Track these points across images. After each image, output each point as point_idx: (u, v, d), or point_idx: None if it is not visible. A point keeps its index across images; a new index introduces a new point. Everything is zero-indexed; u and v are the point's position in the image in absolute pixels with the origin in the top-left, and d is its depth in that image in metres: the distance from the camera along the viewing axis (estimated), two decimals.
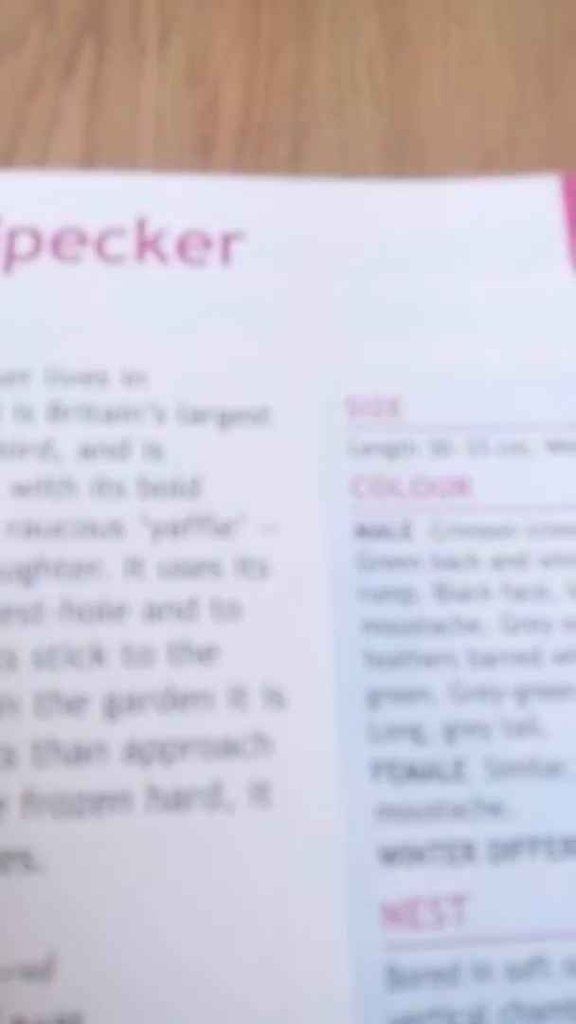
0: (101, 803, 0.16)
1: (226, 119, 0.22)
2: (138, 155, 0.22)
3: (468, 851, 0.16)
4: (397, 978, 0.15)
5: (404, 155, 0.22)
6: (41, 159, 0.21)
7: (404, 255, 0.21)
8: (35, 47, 0.23)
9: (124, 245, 0.20)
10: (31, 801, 0.16)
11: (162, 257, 0.20)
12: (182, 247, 0.20)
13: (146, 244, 0.20)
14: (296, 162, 0.22)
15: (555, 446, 0.19)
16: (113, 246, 0.20)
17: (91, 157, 0.21)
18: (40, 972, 0.15)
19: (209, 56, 0.23)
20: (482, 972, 0.15)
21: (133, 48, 0.23)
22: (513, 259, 0.21)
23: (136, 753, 0.16)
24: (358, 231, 0.21)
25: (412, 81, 0.24)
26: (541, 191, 0.21)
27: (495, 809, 0.16)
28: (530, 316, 0.20)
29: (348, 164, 0.22)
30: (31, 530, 0.18)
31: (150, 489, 0.18)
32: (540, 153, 0.23)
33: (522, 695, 0.17)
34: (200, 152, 0.22)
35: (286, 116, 0.23)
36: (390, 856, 0.16)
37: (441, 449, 0.19)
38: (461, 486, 0.19)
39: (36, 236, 0.20)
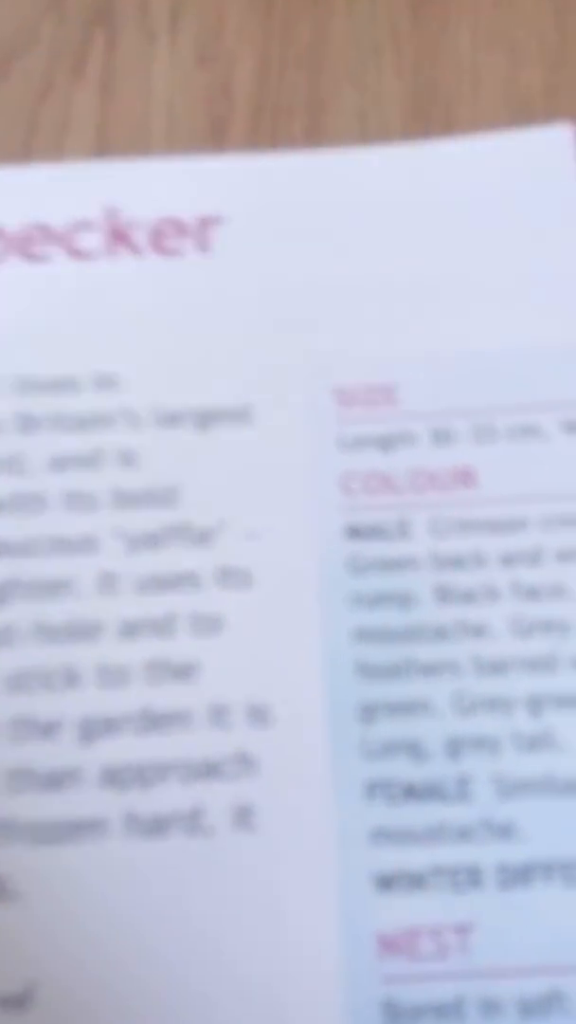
0: (77, 830, 0.18)
1: (240, 98, 0.24)
2: (151, 144, 0.24)
3: (474, 876, 0.17)
4: (396, 1013, 0.16)
5: (430, 117, 0.24)
6: (56, 160, 0.23)
7: (398, 226, 0.22)
8: (46, 45, 0.25)
9: (94, 239, 0.22)
10: (6, 828, 0.18)
11: (135, 249, 0.22)
12: (156, 237, 0.22)
13: (117, 236, 0.22)
14: (314, 137, 0.24)
15: (571, 427, 0.20)
16: (82, 241, 0.22)
17: (105, 151, 0.24)
18: (17, 1003, 0.17)
19: (221, 34, 0.25)
20: (490, 1008, 0.16)
21: (143, 35, 0.25)
22: (520, 222, 0.22)
23: (113, 778, 0.18)
24: (346, 204, 0.22)
25: (439, 34, 0.25)
26: (551, 143, 0.22)
27: (504, 831, 0.17)
28: (541, 284, 0.21)
29: (369, 134, 0.24)
30: (1, 549, 0.19)
31: (125, 499, 0.20)
32: None
33: (535, 705, 0.18)
34: (214, 135, 0.24)
35: (302, 89, 0.24)
36: (387, 883, 0.17)
37: (442, 437, 0.20)
38: (465, 477, 0.20)
39: (2, 236, 0.22)
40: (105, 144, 0.24)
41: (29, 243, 0.22)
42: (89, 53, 0.25)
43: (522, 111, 0.24)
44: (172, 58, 0.25)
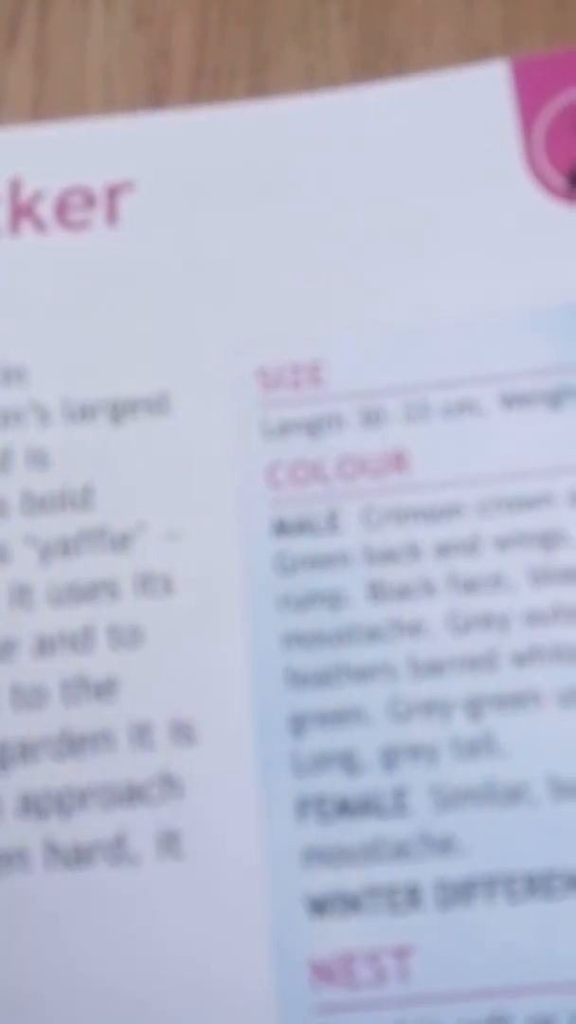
0: None
1: (179, 61, 0.22)
2: (88, 115, 0.22)
3: (412, 896, 0.16)
4: None
5: (380, 67, 0.22)
6: None
7: (322, 183, 0.20)
8: None
9: None
10: None
11: (39, 224, 0.20)
12: (62, 209, 0.20)
13: (21, 211, 0.20)
14: (258, 97, 0.22)
15: (511, 400, 0.18)
16: None
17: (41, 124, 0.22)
18: None
19: None
20: None
21: (77, 1, 0.23)
22: (455, 172, 0.20)
23: (31, 806, 0.17)
24: (264, 162, 0.20)
25: None
26: (486, 81, 0.20)
27: (444, 845, 0.16)
28: (479, 242, 0.19)
29: (315, 89, 0.22)
30: None
31: (36, 503, 0.18)
32: (547, 37, 0.21)
33: (475, 707, 0.17)
34: (153, 102, 0.22)
35: (244, 47, 0.22)
36: (320, 906, 0.16)
37: (372, 419, 0.18)
38: (397, 461, 0.18)
39: None
40: (41, 118, 0.22)
41: None
42: (21, 23, 0.23)
43: (479, 54, 0.22)
44: (108, 24, 0.23)
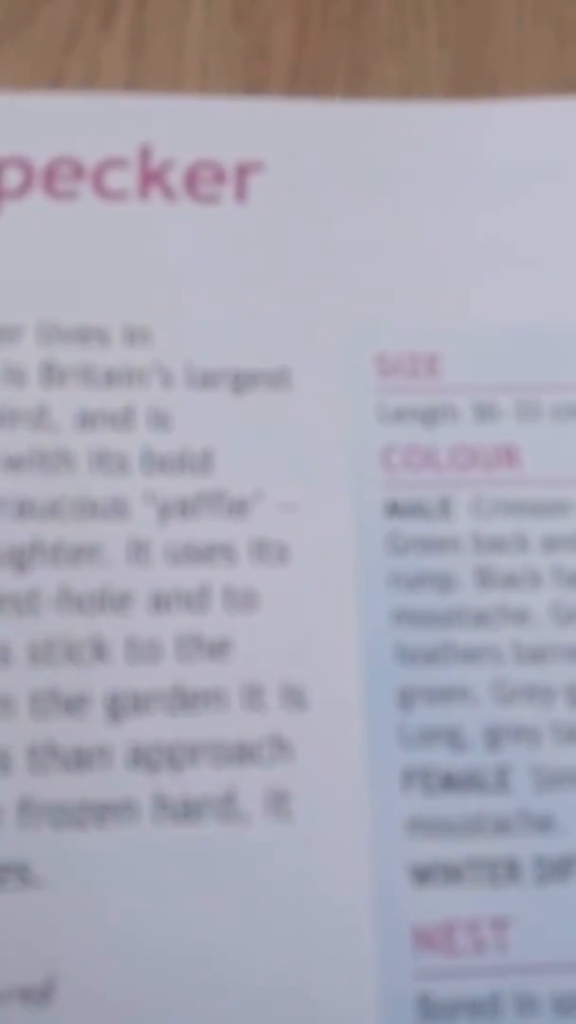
0: (104, 813, 0.16)
1: (277, 60, 0.22)
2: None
3: (512, 870, 0.16)
4: (429, 1009, 0.15)
5: (474, 91, 0.22)
6: None
7: (448, 186, 0.20)
8: None
9: (125, 178, 0.19)
10: (28, 810, 0.16)
11: (168, 192, 0.19)
12: (191, 180, 0.20)
13: (150, 177, 0.20)
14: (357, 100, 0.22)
15: None
16: (113, 179, 0.19)
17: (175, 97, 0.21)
18: (39, 995, 0.15)
19: None
20: (526, 1005, 0.15)
21: None
22: (569, 191, 0.20)
23: (142, 758, 0.16)
24: (394, 160, 0.20)
25: (484, 6, 0.23)
26: None
27: (543, 823, 0.16)
28: None
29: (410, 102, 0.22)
30: (24, 509, 0.17)
31: (156, 463, 0.18)
32: None
33: (575, 695, 0.17)
34: (249, 97, 0.21)
35: (342, 54, 0.22)
36: (423, 875, 0.16)
37: (485, 413, 0.18)
38: (508, 456, 0.18)
39: (26, 168, 0.19)
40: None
41: (55, 178, 0.19)
42: (118, 4, 0.22)
43: (567, 87, 0.22)
44: (207, 14, 0.22)
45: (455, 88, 0.22)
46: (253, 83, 0.22)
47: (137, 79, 0.22)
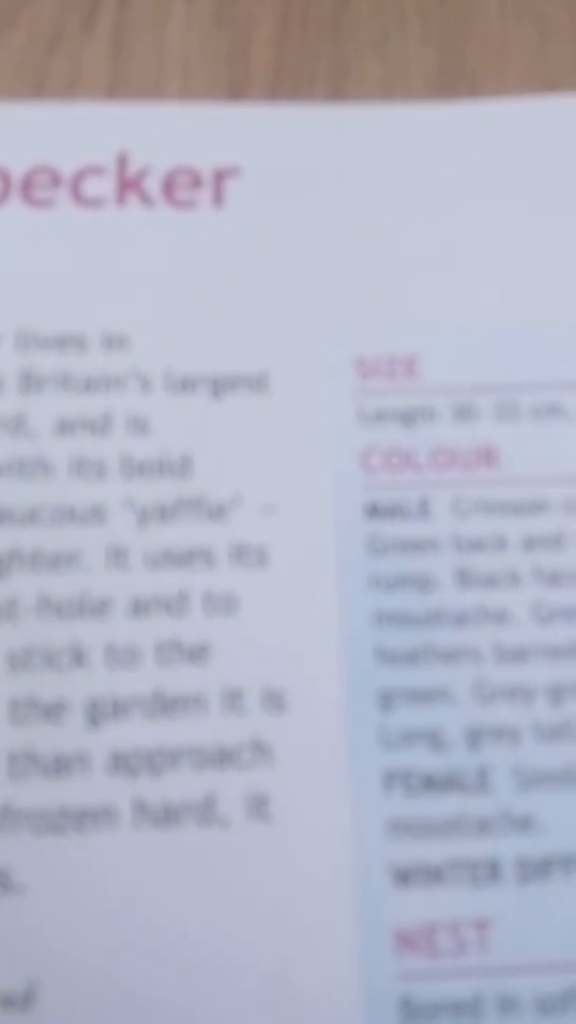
0: (84, 819, 0.16)
1: (258, 62, 0.22)
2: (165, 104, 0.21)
3: (493, 870, 0.16)
4: (412, 1011, 0.15)
5: (455, 91, 0.22)
6: None
7: (427, 188, 0.19)
8: None
9: (103, 185, 0.19)
10: (8, 816, 0.16)
11: (146, 199, 0.19)
12: (168, 187, 0.19)
13: (128, 184, 0.19)
14: (335, 104, 0.21)
15: None
16: (91, 187, 0.19)
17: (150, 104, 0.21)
18: (20, 1002, 0.15)
19: None
20: (508, 1005, 0.15)
21: None
22: (548, 192, 0.19)
23: (121, 764, 0.16)
24: (372, 162, 0.20)
25: (465, 4, 0.23)
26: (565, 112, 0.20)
27: (524, 823, 0.16)
28: (570, 258, 0.19)
29: (392, 104, 0.21)
30: (2, 516, 0.17)
31: (135, 468, 0.17)
32: None
33: (556, 694, 0.16)
34: (230, 98, 0.21)
35: (324, 54, 0.22)
36: (404, 876, 0.16)
37: (464, 414, 0.18)
38: (487, 456, 0.18)
39: (4, 177, 0.19)
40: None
41: (33, 186, 0.19)
42: (100, 6, 0.22)
43: (549, 86, 0.22)
44: (188, 16, 0.22)
45: (437, 87, 0.22)
46: (235, 83, 0.22)
47: (119, 80, 0.21)
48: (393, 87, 0.22)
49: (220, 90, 0.22)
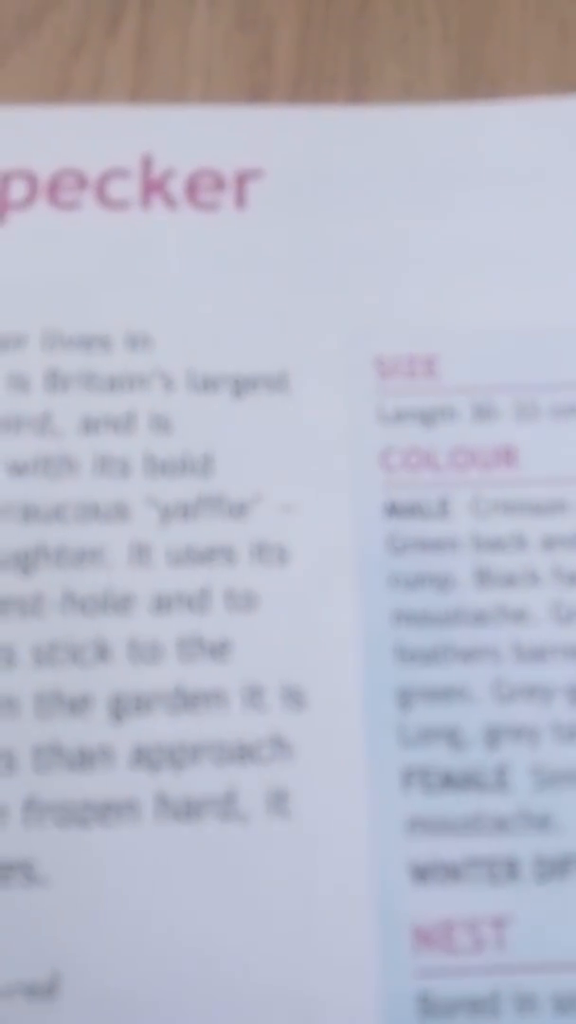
0: (107, 811, 0.16)
1: (280, 65, 0.22)
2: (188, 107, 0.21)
3: (511, 868, 0.16)
4: (430, 1007, 0.15)
5: (476, 92, 0.21)
6: None
7: (447, 189, 0.19)
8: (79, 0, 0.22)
9: (128, 188, 0.19)
10: (33, 809, 0.16)
11: (170, 201, 0.19)
12: (192, 189, 0.19)
13: (152, 186, 0.19)
14: (356, 107, 0.21)
15: None
16: (115, 189, 0.19)
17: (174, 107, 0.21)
18: (43, 991, 0.15)
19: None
20: (525, 1003, 0.15)
21: None
22: (569, 194, 0.19)
23: (144, 758, 0.16)
24: (392, 164, 0.20)
25: (486, 6, 0.23)
26: None
27: (542, 822, 0.16)
28: None
29: (413, 104, 0.21)
30: (29, 513, 0.17)
31: (158, 466, 0.18)
32: None
33: (575, 694, 0.16)
34: (252, 101, 0.21)
35: (345, 55, 0.22)
36: (423, 873, 0.16)
37: (484, 414, 0.18)
38: (507, 456, 0.18)
39: (31, 180, 0.19)
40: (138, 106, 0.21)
41: (59, 189, 0.19)
42: (124, 10, 0.22)
43: (570, 87, 0.21)
44: (211, 20, 0.22)
45: (457, 88, 0.22)
46: (257, 86, 0.22)
47: (143, 83, 0.22)
48: (414, 88, 0.22)
49: (242, 93, 0.22)
